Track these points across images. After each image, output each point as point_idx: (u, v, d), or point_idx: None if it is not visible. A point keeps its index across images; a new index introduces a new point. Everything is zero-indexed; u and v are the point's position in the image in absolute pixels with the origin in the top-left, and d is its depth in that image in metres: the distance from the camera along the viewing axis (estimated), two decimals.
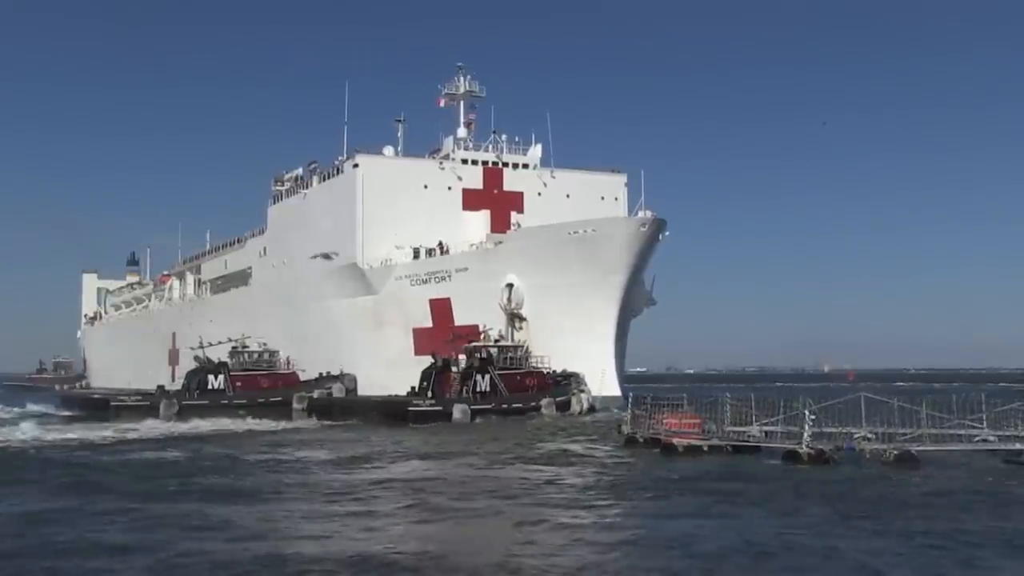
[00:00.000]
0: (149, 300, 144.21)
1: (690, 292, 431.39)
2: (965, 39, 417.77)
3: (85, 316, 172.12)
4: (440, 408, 57.54)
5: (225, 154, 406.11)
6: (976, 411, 39.46)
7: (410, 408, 57.82)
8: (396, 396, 62.57)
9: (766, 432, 39.78)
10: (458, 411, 56.65)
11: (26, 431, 52.69)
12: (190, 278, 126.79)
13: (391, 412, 58.56)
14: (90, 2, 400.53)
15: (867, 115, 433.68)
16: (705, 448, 38.77)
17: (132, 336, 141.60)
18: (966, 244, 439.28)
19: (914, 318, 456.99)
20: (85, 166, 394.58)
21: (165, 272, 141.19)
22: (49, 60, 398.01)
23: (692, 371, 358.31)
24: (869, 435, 37.80)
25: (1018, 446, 36.90)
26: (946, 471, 33.32)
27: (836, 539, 21.90)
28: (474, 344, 63.63)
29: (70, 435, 51.14)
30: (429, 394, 59.79)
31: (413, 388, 62.11)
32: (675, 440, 39.27)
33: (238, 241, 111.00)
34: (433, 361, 62.75)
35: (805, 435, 36.58)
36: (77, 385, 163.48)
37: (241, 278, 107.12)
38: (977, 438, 38.37)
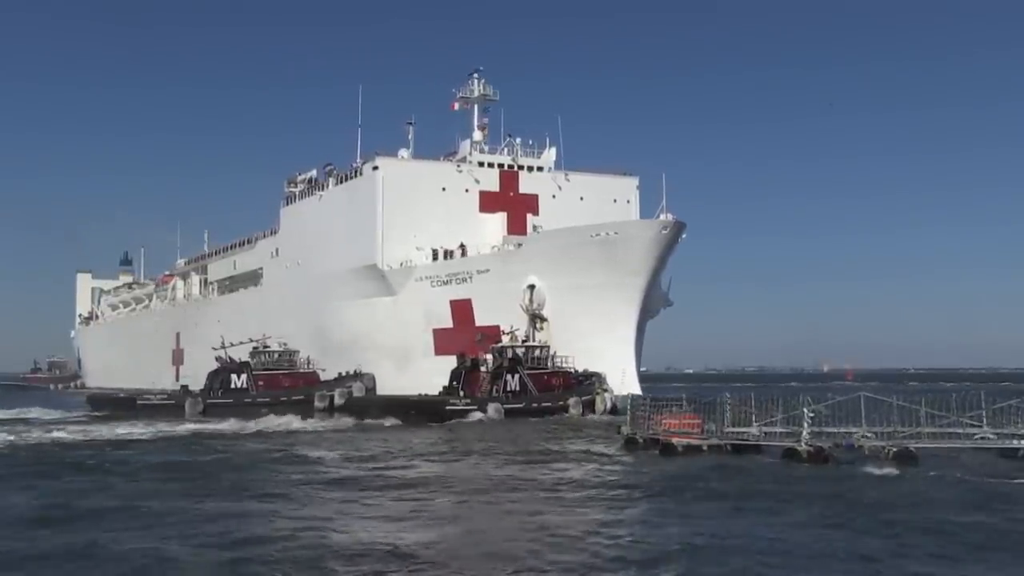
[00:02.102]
0: (150, 300, 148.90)
1: (690, 292, 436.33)
2: (965, 39, 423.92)
3: (80, 316, 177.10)
4: (475, 407, 62.95)
5: (225, 155, 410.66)
6: (976, 408, 41.07)
7: (447, 407, 63.31)
8: (428, 395, 67.20)
9: (765, 432, 41.12)
10: (492, 410, 62.20)
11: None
12: (195, 278, 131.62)
13: (428, 411, 63.83)
14: (92, 2, 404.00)
15: (868, 115, 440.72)
16: (704, 448, 40.21)
17: (131, 336, 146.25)
18: (966, 244, 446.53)
19: (914, 318, 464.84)
20: (80, 166, 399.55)
21: (167, 272, 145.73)
22: (49, 60, 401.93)
23: (692, 371, 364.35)
24: (868, 433, 39.37)
25: (1016, 443, 38.49)
26: (944, 468, 35.05)
27: (829, 536, 23.49)
28: (502, 344, 68.61)
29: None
30: (461, 393, 65.06)
31: (444, 387, 67.16)
32: (674, 440, 40.64)
33: (247, 242, 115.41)
34: (461, 361, 68.03)
35: (804, 433, 38.55)
36: (72, 385, 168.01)
37: (251, 278, 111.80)
38: (976, 435, 39.82)
